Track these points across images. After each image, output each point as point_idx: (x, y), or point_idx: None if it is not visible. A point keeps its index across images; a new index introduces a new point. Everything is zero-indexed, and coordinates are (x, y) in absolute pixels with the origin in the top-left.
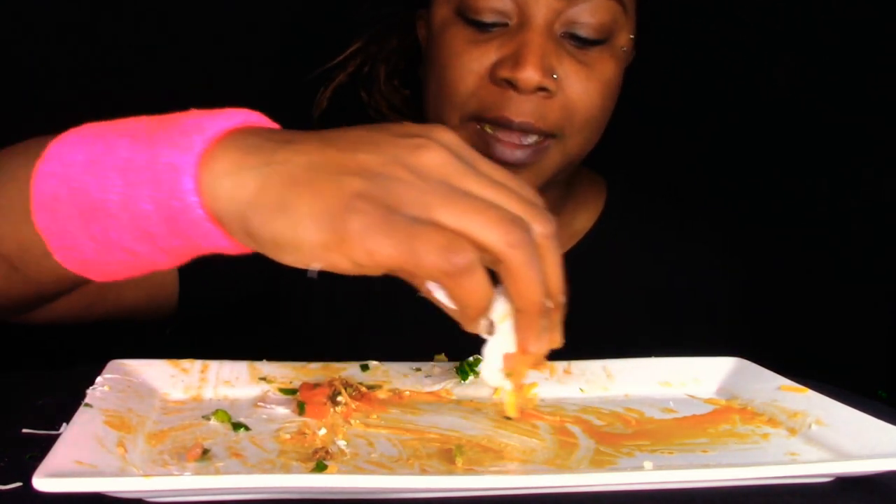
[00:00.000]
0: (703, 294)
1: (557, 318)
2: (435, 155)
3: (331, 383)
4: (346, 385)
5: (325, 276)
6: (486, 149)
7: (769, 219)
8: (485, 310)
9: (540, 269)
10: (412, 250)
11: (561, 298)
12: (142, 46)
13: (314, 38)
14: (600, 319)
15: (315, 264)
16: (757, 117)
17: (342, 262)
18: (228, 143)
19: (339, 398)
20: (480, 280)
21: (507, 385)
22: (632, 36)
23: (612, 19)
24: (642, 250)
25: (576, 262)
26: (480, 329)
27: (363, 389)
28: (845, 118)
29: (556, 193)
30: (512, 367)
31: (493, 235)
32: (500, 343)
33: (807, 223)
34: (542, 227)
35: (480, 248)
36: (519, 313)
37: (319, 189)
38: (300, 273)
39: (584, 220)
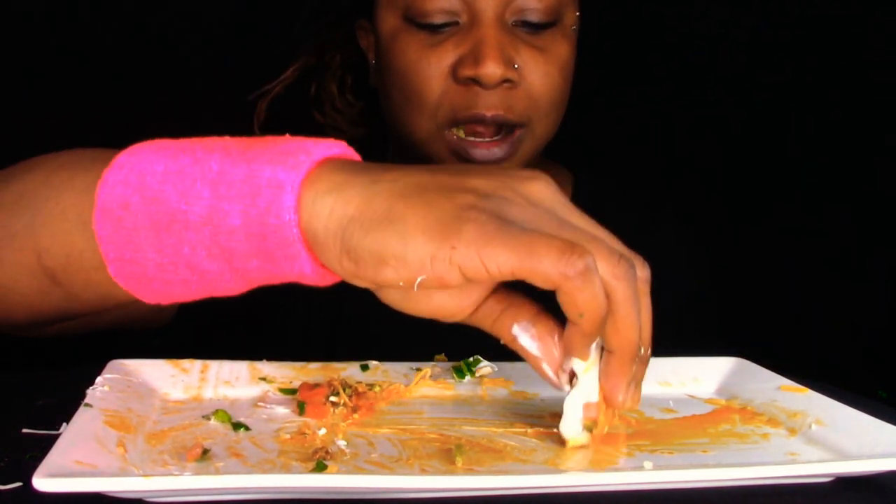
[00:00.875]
0: (669, 285)
1: (642, 374)
2: (544, 187)
3: (330, 383)
4: (345, 385)
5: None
6: (465, 155)
7: (768, 218)
8: (601, 321)
9: (640, 309)
10: (531, 253)
11: (649, 351)
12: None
13: (255, 55)
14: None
15: (419, 278)
16: (751, 113)
17: (451, 273)
18: (332, 167)
19: (336, 398)
20: (600, 287)
21: (586, 439)
22: (578, 13)
23: (558, 1)
24: None
25: None
26: (563, 381)
27: (361, 389)
28: (846, 114)
29: None
30: (594, 419)
31: (601, 264)
32: (582, 394)
33: (807, 222)
34: (642, 271)
35: None
36: (611, 355)
37: (430, 201)
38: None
39: None
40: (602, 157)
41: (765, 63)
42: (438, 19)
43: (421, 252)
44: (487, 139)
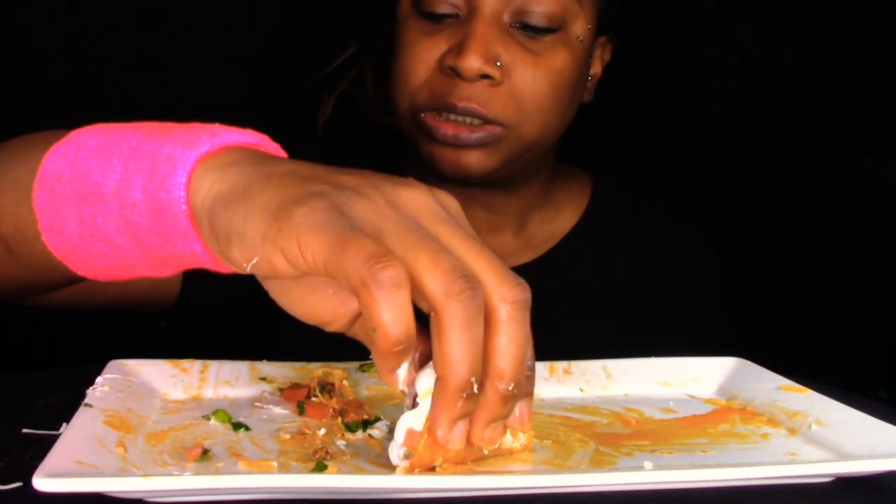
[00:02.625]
0: (687, 292)
1: (494, 414)
2: (417, 194)
3: (310, 384)
4: (324, 384)
5: None
6: (431, 132)
7: (768, 219)
8: (396, 342)
9: (475, 337)
10: (341, 251)
11: (514, 385)
12: (139, 54)
13: (311, 44)
14: (582, 317)
15: (254, 259)
16: (753, 116)
17: (276, 256)
18: (233, 151)
19: (315, 399)
20: (401, 304)
21: (404, 465)
22: (590, 27)
23: (561, 8)
24: (626, 248)
25: (558, 260)
26: (399, 383)
27: (346, 391)
28: (847, 115)
29: (535, 190)
30: (412, 448)
31: (433, 279)
32: (411, 419)
33: (806, 223)
34: (511, 292)
35: (419, 292)
36: (437, 384)
37: (285, 184)
38: None
39: (566, 218)
40: (622, 164)
41: (756, 64)
42: (440, 9)
43: (254, 231)
44: (458, 122)
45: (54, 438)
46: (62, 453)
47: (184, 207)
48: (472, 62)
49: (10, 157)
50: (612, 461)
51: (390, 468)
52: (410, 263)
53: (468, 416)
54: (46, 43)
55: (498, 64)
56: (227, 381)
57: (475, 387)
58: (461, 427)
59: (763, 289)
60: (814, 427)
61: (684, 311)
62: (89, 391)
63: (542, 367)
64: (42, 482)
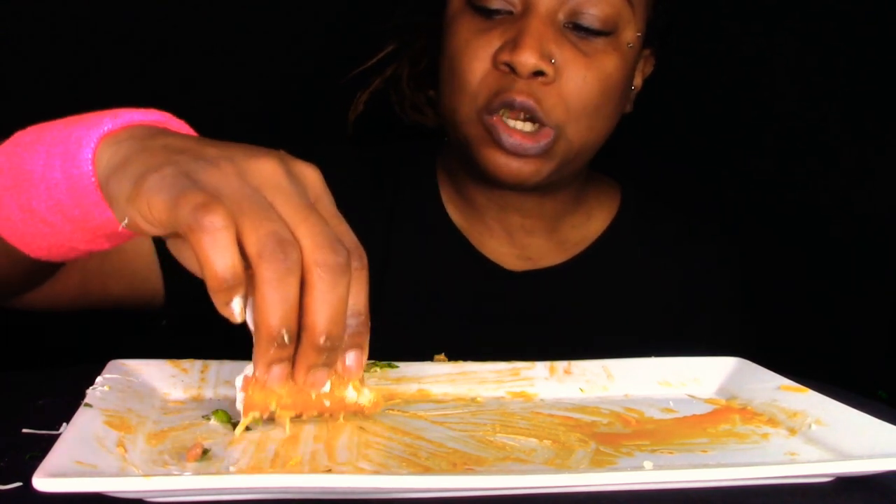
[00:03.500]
0: (714, 298)
1: (318, 359)
2: (265, 165)
3: None
4: None
5: None
6: (497, 138)
7: (769, 219)
8: (224, 278)
9: (285, 295)
10: (175, 206)
11: (327, 338)
12: (174, 53)
13: (350, 42)
14: (610, 321)
15: (125, 220)
16: (766, 122)
17: (136, 216)
18: (132, 130)
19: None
20: (224, 244)
21: (240, 410)
22: (639, 34)
23: (616, 12)
24: (654, 254)
25: (588, 265)
26: (235, 315)
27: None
28: (849, 122)
29: (568, 195)
30: (245, 391)
31: (250, 241)
32: (251, 367)
33: (807, 223)
34: (324, 256)
35: (242, 252)
36: (254, 330)
37: (154, 156)
38: None
39: (597, 223)
40: (650, 173)
41: (776, 73)
42: (494, 5)
43: (122, 194)
44: (520, 128)
45: (54, 438)
46: (62, 453)
47: (92, 180)
48: (528, 58)
49: None
50: (612, 461)
51: (390, 468)
52: (237, 225)
53: (284, 361)
54: (50, 46)
55: (552, 61)
56: (228, 381)
57: (286, 337)
58: (277, 369)
59: (763, 289)
60: (814, 427)
61: (709, 317)
62: (89, 391)
63: (542, 367)
64: (42, 482)
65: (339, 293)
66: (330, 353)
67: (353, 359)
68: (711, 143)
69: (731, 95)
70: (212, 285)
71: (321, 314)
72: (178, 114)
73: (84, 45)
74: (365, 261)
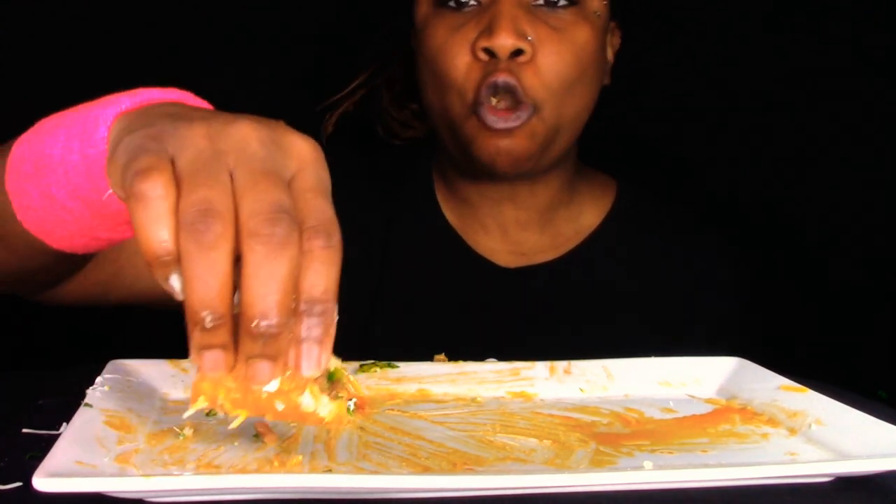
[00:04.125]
0: (708, 295)
1: (254, 347)
2: (241, 128)
3: None
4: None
5: None
6: (485, 122)
7: (770, 219)
8: (156, 259)
9: (210, 271)
10: (125, 168)
11: (273, 325)
12: (164, 59)
13: (322, 69)
14: (603, 316)
15: (108, 191)
16: (766, 120)
17: (113, 181)
18: (146, 106)
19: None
20: (156, 217)
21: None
22: (604, 2)
23: None
24: (649, 250)
25: (582, 257)
26: (176, 292)
27: (354, 383)
28: (852, 122)
29: (560, 184)
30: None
31: (180, 206)
32: None
33: (808, 223)
34: (261, 227)
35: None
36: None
37: (148, 124)
38: None
39: (590, 217)
40: (642, 167)
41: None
42: None
43: (114, 165)
44: (502, 107)
45: (54, 438)
46: (62, 453)
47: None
48: (506, 39)
49: None
50: (612, 461)
51: (390, 468)
52: (179, 189)
53: (215, 347)
54: (49, 46)
55: (528, 38)
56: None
57: (207, 319)
58: (210, 356)
59: (763, 289)
60: (814, 427)
61: (706, 314)
62: (89, 391)
63: (542, 367)
64: (42, 482)
65: (276, 269)
66: (268, 342)
67: (305, 353)
68: (704, 138)
69: (743, 94)
70: (146, 259)
71: (251, 292)
72: None
73: (85, 45)
74: (335, 240)
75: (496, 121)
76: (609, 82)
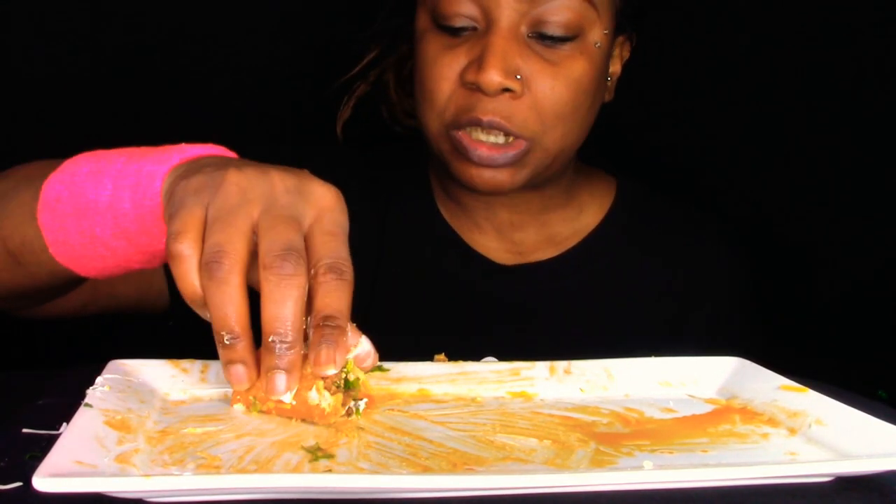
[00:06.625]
0: (708, 294)
1: (271, 360)
2: (268, 180)
3: None
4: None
5: None
6: (465, 153)
7: (770, 218)
8: (191, 302)
9: (224, 300)
10: (168, 224)
11: (285, 342)
12: (165, 65)
13: (333, 51)
14: (602, 315)
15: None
16: (766, 117)
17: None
18: (196, 160)
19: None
20: (185, 274)
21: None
22: (606, 31)
23: (578, 17)
24: (648, 248)
25: (581, 257)
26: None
27: (365, 383)
28: (852, 119)
29: (556, 190)
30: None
31: (204, 252)
32: None
33: (807, 222)
34: (272, 263)
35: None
36: None
37: (188, 176)
38: None
39: (589, 217)
40: (644, 165)
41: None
42: (458, 23)
43: (166, 215)
44: (491, 141)
45: (54, 438)
46: (62, 453)
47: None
48: (493, 77)
49: (12, 186)
50: (612, 461)
51: (390, 468)
52: (205, 237)
53: (235, 363)
54: (49, 45)
55: (518, 77)
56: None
57: (225, 338)
58: (234, 369)
59: (762, 288)
60: (814, 427)
61: (705, 315)
62: (89, 391)
63: (542, 367)
64: (42, 482)
65: (286, 294)
66: (282, 356)
67: (323, 355)
68: (705, 138)
69: (742, 92)
70: (185, 300)
71: (267, 314)
72: (168, 114)
73: (86, 46)
74: (347, 275)
75: (478, 154)
76: (612, 98)
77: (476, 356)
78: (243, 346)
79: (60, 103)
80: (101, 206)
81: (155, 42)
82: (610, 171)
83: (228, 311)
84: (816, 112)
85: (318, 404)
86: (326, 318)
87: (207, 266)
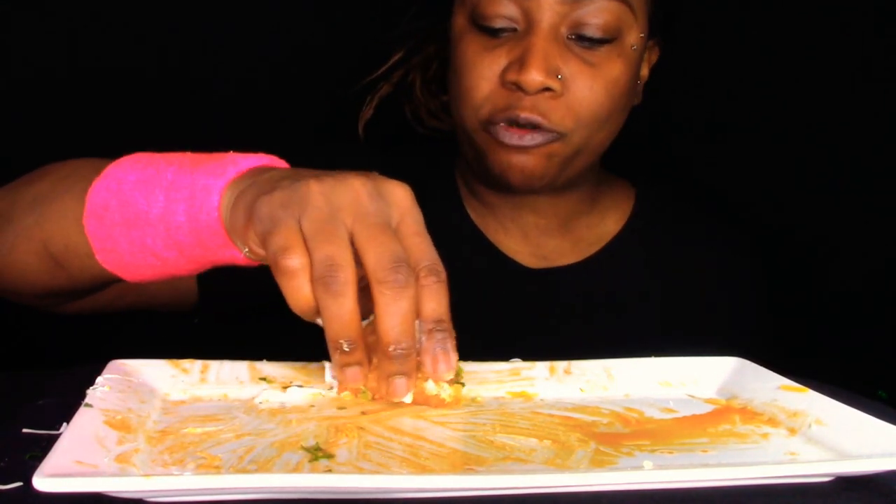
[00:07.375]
0: (729, 297)
1: (391, 367)
2: (350, 187)
3: None
4: None
5: None
6: (498, 138)
7: (772, 219)
8: (304, 313)
9: (341, 310)
10: (265, 241)
11: (395, 346)
12: (181, 56)
13: (358, 51)
14: (625, 320)
15: (245, 248)
16: (767, 122)
17: (252, 245)
18: (252, 172)
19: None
20: (296, 288)
21: (334, 388)
22: (642, 34)
23: (617, 19)
24: (669, 254)
25: (603, 262)
26: (318, 324)
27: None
28: (852, 119)
29: (582, 196)
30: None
31: (314, 263)
32: None
33: (809, 223)
34: (384, 275)
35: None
36: None
37: (262, 187)
38: None
39: (611, 223)
40: (663, 173)
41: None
42: (498, 24)
43: (239, 225)
44: (522, 133)
45: (54, 438)
46: (62, 453)
47: (220, 224)
48: (535, 76)
49: (49, 188)
50: (612, 461)
51: (390, 468)
52: (308, 250)
53: (352, 365)
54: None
55: (559, 77)
56: (228, 381)
57: (345, 345)
58: (349, 371)
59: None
60: (814, 427)
61: (724, 316)
62: (89, 391)
63: (542, 367)
64: (42, 482)
65: (402, 306)
66: (402, 361)
67: (441, 360)
68: (704, 142)
69: (758, 97)
70: (296, 312)
71: (384, 324)
72: (188, 116)
73: (86, 47)
74: (443, 276)
75: (510, 137)
76: (640, 101)
77: (503, 358)
78: (359, 350)
79: (60, 103)
80: (152, 218)
81: (165, 42)
82: (628, 176)
83: (345, 321)
84: (812, 112)
85: (436, 394)
86: (436, 322)
87: (323, 279)
